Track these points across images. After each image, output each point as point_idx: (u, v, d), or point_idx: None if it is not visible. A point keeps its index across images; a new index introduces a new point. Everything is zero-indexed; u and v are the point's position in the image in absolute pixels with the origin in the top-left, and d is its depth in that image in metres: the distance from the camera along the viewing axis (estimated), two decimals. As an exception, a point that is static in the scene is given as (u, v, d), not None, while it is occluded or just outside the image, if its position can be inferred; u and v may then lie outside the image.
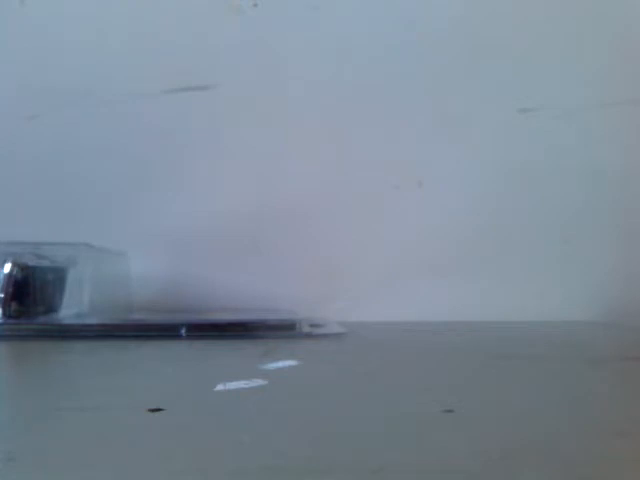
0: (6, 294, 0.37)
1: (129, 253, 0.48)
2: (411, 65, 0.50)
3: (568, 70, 0.51)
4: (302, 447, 0.16)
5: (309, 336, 0.38)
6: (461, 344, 0.38)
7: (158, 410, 0.19)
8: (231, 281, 0.49)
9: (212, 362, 0.31)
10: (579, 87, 0.51)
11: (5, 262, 0.38)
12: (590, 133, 0.51)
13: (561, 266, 0.50)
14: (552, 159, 0.50)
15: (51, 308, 0.39)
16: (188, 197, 0.50)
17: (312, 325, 0.40)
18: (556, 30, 0.51)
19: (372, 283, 0.50)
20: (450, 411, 0.20)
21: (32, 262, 0.38)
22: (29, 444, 0.16)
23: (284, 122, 0.50)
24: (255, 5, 0.50)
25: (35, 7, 0.50)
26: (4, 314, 0.37)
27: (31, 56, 0.50)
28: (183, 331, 0.37)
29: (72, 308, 0.41)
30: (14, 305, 0.37)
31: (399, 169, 0.50)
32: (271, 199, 0.50)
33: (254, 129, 0.50)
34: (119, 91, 0.50)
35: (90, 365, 0.30)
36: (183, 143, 0.50)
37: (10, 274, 0.37)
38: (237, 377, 0.24)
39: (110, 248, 0.45)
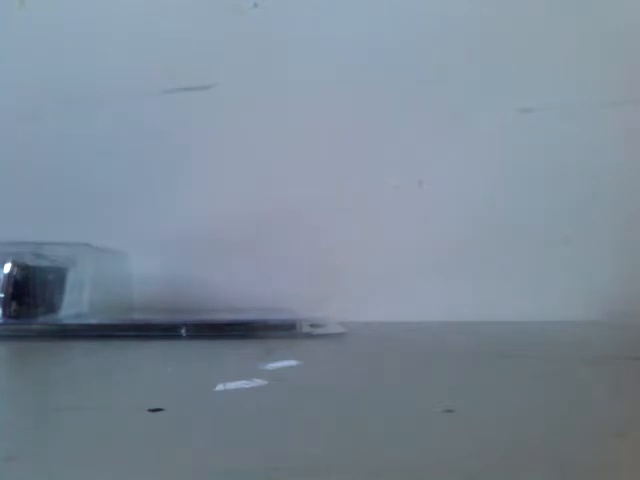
0: (6, 294, 0.37)
1: (129, 253, 0.48)
2: (411, 65, 0.50)
3: (568, 70, 0.51)
4: (302, 447, 0.16)
5: (309, 336, 0.38)
6: (461, 344, 0.38)
7: (158, 410, 0.19)
8: (231, 281, 0.49)
9: (212, 362, 0.31)
10: (579, 87, 0.51)
11: (5, 262, 0.38)
12: (590, 133, 0.50)
13: (561, 266, 0.50)
14: (552, 159, 0.50)
15: (51, 308, 0.39)
16: (188, 197, 0.50)
17: (312, 325, 0.40)
18: (556, 30, 0.51)
19: (372, 283, 0.50)
20: (450, 411, 0.20)
21: (32, 262, 0.39)
22: (29, 444, 0.16)
23: (284, 122, 0.50)
24: (255, 5, 0.50)
25: (35, 7, 0.50)
26: (4, 314, 0.37)
27: (31, 56, 0.50)
28: (183, 331, 0.37)
29: (72, 308, 0.41)
30: (14, 305, 0.37)
31: (399, 169, 0.50)
32: (271, 199, 0.50)
33: (254, 129, 0.50)
34: (119, 91, 0.50)
35: (90, 365, 0.30)
36: (183, 143, 0.50)
37: (10, 274, 0.37)
38: (237, 377, 0.24)
39: (110, 248, 0.45)
